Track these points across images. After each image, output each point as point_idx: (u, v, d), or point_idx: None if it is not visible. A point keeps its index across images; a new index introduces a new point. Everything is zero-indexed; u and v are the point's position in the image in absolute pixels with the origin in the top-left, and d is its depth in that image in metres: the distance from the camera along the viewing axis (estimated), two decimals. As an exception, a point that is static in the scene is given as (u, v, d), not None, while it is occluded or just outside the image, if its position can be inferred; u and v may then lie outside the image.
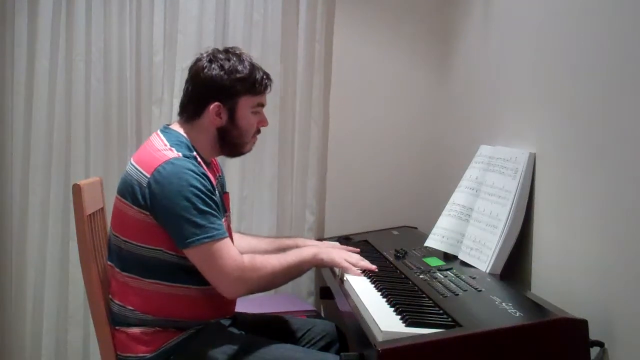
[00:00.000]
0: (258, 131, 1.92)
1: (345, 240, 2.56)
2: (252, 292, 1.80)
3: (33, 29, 2.74)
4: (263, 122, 1.91)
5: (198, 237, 1.67)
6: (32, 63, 2.74)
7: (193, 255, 1.70)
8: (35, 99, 2.75)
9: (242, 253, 1.77)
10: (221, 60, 1.82)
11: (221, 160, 2.77)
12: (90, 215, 1.85)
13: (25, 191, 2.78)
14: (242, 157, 2.72)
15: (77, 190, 1.80)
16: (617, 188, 1.48)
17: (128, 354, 1.76)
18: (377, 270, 1.91)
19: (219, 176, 1.99)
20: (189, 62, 2.71)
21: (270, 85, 1.89)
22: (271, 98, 2.78)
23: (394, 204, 2.90)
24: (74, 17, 2.74)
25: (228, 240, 1.73)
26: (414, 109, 2.92)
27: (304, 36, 2.81)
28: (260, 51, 2.79)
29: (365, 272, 1.90)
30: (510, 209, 1.86)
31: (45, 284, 2.78)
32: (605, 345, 1.45)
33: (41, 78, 2.74)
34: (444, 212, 2.19)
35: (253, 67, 1.84)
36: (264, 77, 1.86)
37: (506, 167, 1.93)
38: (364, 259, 1.97)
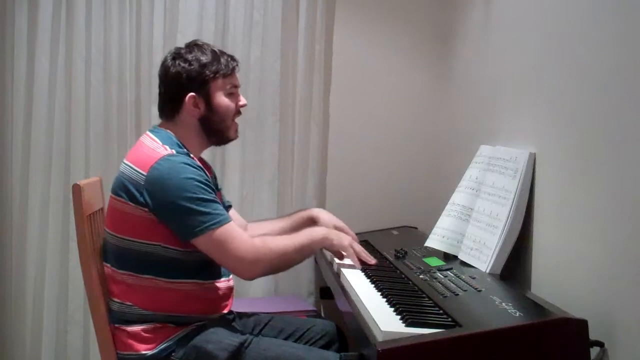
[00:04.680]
0: (238, 112, 1.94)
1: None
2: (268, 272, 1.84)
3: (33, 29, 2.74)
4: (240, 101, 1.93)
5: (206, 225, 1.70)
6: (32, 63, 2.74)
7: (203, 243, 1.72)
8: (35, 99, 2.75)
9: (263, 236, 1.85)
10: (183, 54, 1.86)
11: (221, 159, 2.80)
12: (90, 215, 1.85)
13: (25, 191, 2.78)
14: (242, 157, 2.81)
15: (77, 190, 1.80)
16: (617, 188, 1.47)
17: (128, 353, 1.76)
18: (376, 263, 1.96)
19: (212, 177, 2.01)
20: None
21: (237, 66, 1.92)
22: (271, 98, 2.80)
23: (394, 204, 2.90)
24: (74, 17, 2.74)
25: (234, 223, 1.76)
26: (414, 109, 2.92)
27: (304, 36, 2.82)
28: (260, 51, 2.80)
29: (365, 271, 1.91)
30: (510, 209, 1.85)
31: (45, 284, 2.78)
32: (605, 345, 1.45)
33: (41, 78, 2.74)
34: (444, 212, 2.19)
35: (215, 53, 1.88)
36: (229, 59, 1.90)
37: (506, 167, 1.93)
38: (365, 251, 2.01)
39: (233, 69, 1.90)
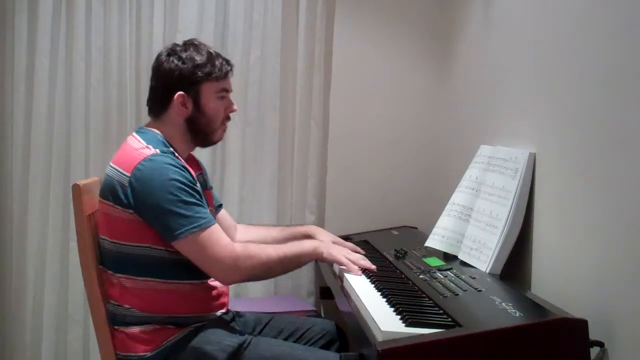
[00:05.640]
0: (227, 118, 1.93)
1: (345, 240, 2.56)
2: (246, 280, 1.84)
3: (33, 29, 2.74)
4: (230, 107, 1.92)
5: (186, 228, 1.69)
6: (32, 63, 2.74)
7: (183, 246, 1.71)
8: (35, 99, 2.75)
9: (247, 242, 1.82)
10: (179, 52, 1.85)
11: (221, 159, 2.80)
12: (90, 215, 1.85)
13: (25, 191, 2.78)
14: (242, 157, 2.81)
15: (77, 190, 1.80)
16: (617, 188, 1.47)
17: (128, 354, 1.76)
18: (376, 270, 1.91)
19: (200, 173, 2.01)
20: None
21: (230, 71, 1.91)
22: (271, 98, 2.80)
23: (394, 204, 2.90)
24: (74, 17, 2.74)
25: (217, 227, 1.74)
26: (414, 109, 2.92)
27: (304, 36, 2.81)
28: (260, 51, 2.79)
29: (365, 272, 1.90)
30: (510, 209, 1.85)
31: (45, 284, 2.78)
32: (605, 345, 1.45)
33: (41, 78, 2.74)
34: (444, 212, 2.19)
35: (211, 55, 1.87)
36: (223, 62, 1.88)
37: (506, 167, 1.93)
38: (365, 258, 1.97)
39: (226, 73, 1.89)
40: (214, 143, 1.97)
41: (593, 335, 1.41)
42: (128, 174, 1.72)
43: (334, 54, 2.88)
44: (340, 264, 1.91)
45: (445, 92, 2.85)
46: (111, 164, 1.80)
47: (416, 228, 2.78)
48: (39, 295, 2.79)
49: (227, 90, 1.91)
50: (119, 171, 1.75)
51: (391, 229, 2.79)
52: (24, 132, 2.77)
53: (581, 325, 1.40)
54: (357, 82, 2.90)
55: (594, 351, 1.45)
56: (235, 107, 1.94)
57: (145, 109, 2.75)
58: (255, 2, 2.79)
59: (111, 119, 2.79)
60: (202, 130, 1.89)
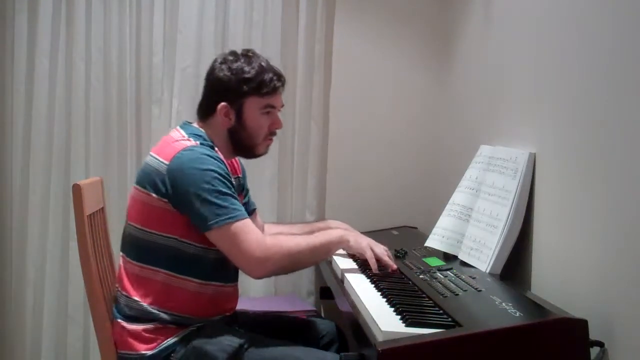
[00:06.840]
0: (272, 133, 1.94)
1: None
2: (277, 272, 1.84)
3: (33, 29, 2.74)
4: (275, 124, 1.92)
5: (220, 219, 1.70)
6: (32, 63, 2.75)
7: (216, 237, 1.72)
8: (35, 99, 2.76)
9: (277, 234, 1.85)
10: (230, 61, 1.87)
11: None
12: (90, 215, 1.85)
13: (25, 191, 2.78)
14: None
15: (77, 190, 1.80)
16: (617, 188, 1.48)
17: (128, 352, 1.76)
18: (395, 269, 1.90)
19: (238, 177, 2.03)
20: (188, 62, 2.79)
21: (280, 87, 1.90)
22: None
23: (394, 204, 2.90)
24: (74, 17, 2.74)
25: (249, 221, 1.75)
26: (414, 109, 2.93)
27: (304, 36, 2.82)
28: (260, 51, 2.75)
29: (365, 272, 1.90)
30: (510, 209, 1.86)
31: (45, 284, 2.79)
32: (605, 345, 1.45)
33: (41, 78, 2.75)
34: (444, 212, 2.19)
35: (262, 69, 1.86)
36: (273, 78, 1.87)
37: (506, 167, 1.94)
38: (389, 253, 1.95)
39: (275, 89, 1.88)
40: (257, 156, 1.97)
41: (593, 335, 1.41)
42: (167, 162, 1.74)
43: (334, 54, 2.88)
44: (365, 253, 1.89)
45: (445, 92, 2.85)
46: (151, 152, 1.83)
47: (416, 228, 2.78)
48: (39, 295, 2.79)
49: (273, 107, 1.90)
50: (158, 160, 1.77)
51: (391, 229, 2.79)
52: (24, 132, 2.77)
53: (581, 325, 1.40)
54: (357, 82, 2.90)
55: (594, 351, 1.45)
56: (279, 123, 1.93)
57: (145, 109, 2.80)
58: (255, 2, 2.79)
59: (111, 119, 2.79)
60: (243, 143, 1.90)
